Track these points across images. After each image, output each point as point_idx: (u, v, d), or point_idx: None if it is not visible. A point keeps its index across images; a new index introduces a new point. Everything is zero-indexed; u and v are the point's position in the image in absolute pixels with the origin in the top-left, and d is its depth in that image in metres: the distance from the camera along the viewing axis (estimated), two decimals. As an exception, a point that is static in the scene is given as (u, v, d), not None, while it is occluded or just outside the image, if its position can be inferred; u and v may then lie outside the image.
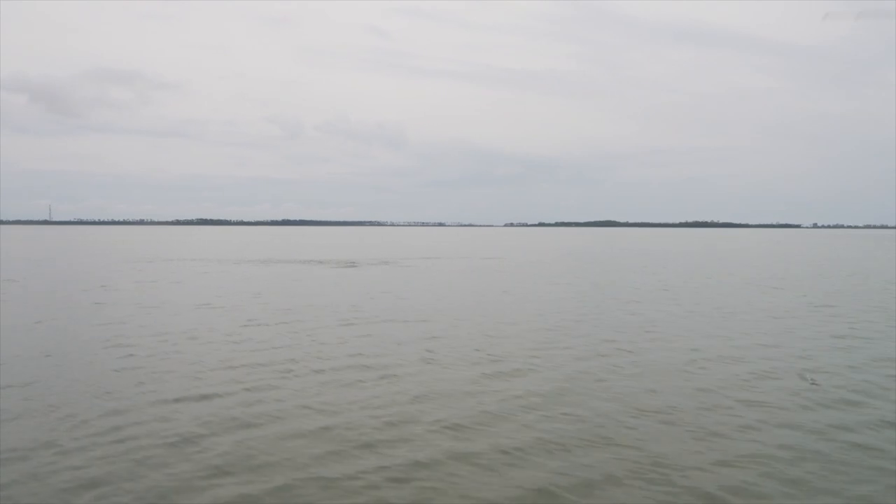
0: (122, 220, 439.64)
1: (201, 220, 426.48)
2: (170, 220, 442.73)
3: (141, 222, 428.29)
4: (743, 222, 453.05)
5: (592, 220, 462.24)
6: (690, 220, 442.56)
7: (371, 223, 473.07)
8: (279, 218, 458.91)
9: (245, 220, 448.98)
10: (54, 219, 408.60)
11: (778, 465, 8.49)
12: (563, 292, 29.23)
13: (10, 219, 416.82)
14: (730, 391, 12.06)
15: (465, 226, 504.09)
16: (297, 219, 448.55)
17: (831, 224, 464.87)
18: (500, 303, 25.29)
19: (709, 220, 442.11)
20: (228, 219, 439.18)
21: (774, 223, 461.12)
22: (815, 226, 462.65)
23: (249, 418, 10.35)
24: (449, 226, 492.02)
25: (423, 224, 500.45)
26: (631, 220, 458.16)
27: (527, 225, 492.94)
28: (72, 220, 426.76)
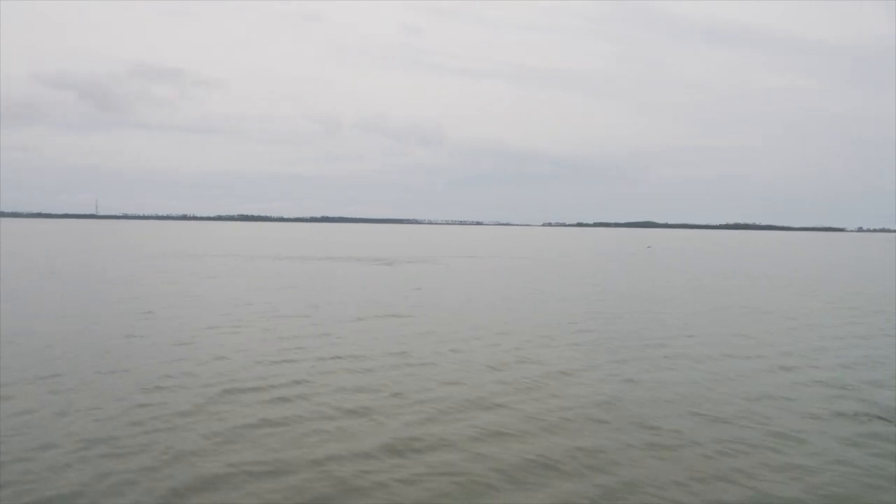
0: (165, 215, 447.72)
1: (242, 216, 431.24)
2: (211, 215, 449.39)
3: (184, 217, 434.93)
4: (785, 225, 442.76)
5: (631, 220, 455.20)
6: (731, 221, 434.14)
7: (409, 221, 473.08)
8: (317, 215, 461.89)
9: (284, 216, 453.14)
10: (100, 213, 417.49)
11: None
12: (588, 293, 29.80)
13: (58, 212, 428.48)
14: (719, 391, 12.60)
15: (502, 225, 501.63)
16: (336, 216, 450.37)
17: (877, 228, 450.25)
18: (526, 301, 25.91)
19: (750, 221, 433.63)
20: (268, 215, 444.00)
21: (818, 226, 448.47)
22: (859, 229, 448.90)
23: (256, 406, 11.07)
24: (486, 224, 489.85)
25: (460, 223, 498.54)
26: (671, 222, 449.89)
27: (565, 225, 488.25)
28: (117, 214, 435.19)
